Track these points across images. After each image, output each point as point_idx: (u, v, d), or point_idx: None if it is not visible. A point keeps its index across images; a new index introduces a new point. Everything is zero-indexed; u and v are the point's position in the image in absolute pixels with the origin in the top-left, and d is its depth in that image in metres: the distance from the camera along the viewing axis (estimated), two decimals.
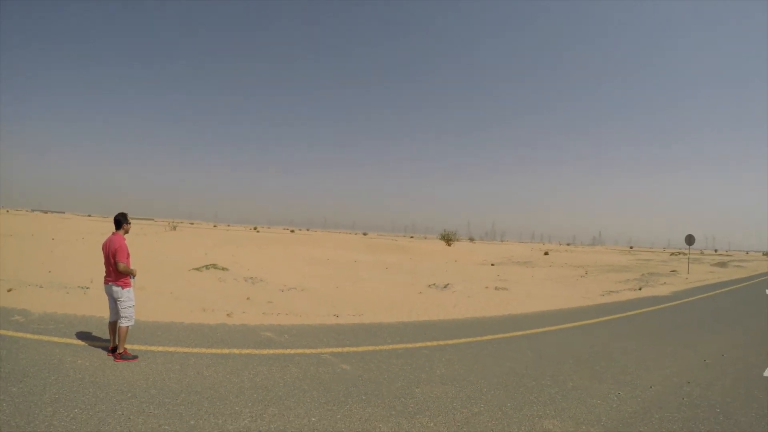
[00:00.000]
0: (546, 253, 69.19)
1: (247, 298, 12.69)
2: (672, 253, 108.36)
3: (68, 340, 7.45)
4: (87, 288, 12.48)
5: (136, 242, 36.95)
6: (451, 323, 10.82)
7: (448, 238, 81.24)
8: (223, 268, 19.28)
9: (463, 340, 8.91)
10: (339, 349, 7.65)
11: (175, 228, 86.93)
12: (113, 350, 6.68)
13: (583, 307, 13.98)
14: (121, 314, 6.65)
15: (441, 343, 8.58)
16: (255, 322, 9.64)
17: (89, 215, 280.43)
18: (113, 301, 6.77)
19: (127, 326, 6.66)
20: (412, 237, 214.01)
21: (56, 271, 16.09)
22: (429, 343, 8.45)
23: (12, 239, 29.39)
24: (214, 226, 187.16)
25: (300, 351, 7.42)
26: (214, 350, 7.22)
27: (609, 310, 13.21)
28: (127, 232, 7.23)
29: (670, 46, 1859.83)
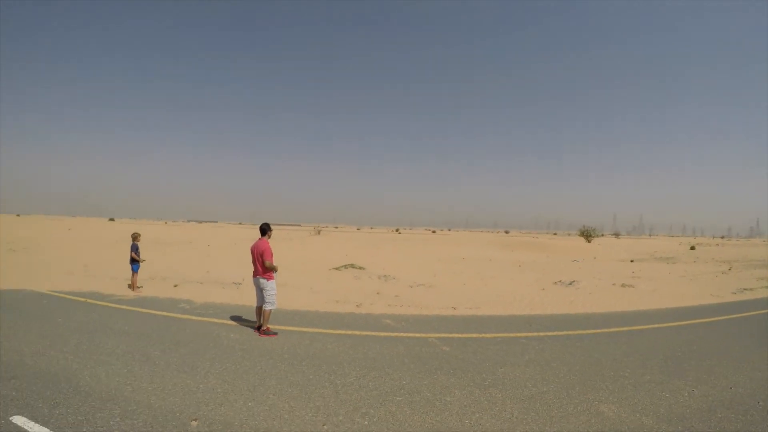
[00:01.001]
0: (692, 248, 63.05)
1: (377, 293, 14.18)
2: None
3: (224, 321, 9.60)
4: (239, 284, 14.79)
5: (282, 246, 40.59)
6: (561, 318, 11.18)
7: (587, 235, 78.08)
8: (360, 267, 21.10)
9: (564, 332, 9.36)
10: (445, 335, 8.70)
11: (319, 232, 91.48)
12: (258, 328, 8.63)
13: (707, 305, 13.35)
14: (266, 300, 8.52)
15: (541, 334, 9.14)
16: (379, 312, 11.03)
17: (240, 223, 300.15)
18: (260, 291, 8.63)
19: (270, 309, 8.54)
20: (555, 234, 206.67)
21: (213, 271, 18.96)
22: (530, 333, 9.10)
23: (173, 247, 33.92)
24: (358, 230, 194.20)
25: (410, 335, 8.61)
26: (339, 331, 8.71)
27: (732, 309, 12.46)
28: (269, 237, 8.90)
29: None
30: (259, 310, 8.73)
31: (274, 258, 8.81)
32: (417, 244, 54.83)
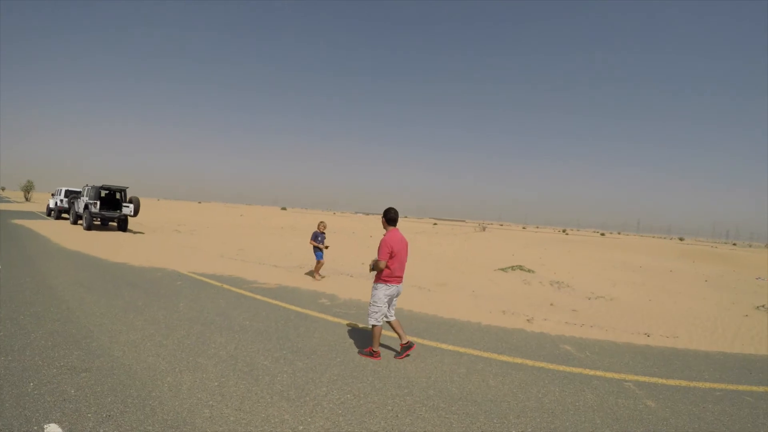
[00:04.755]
0: None
1: (551, 304, 12.27)
2: None
3: (364, 326, 8.32)
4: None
5: (445, 242, 39.22)
6: None
7: None
8: (528, 270, 19.16)
9: None
10: (645, 379, 6.66)
11: (484, 229, 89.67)
12: (406, 345, 6.72)
13: None
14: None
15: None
16: (555, 331, 9.21)
17: (406, 216, 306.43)
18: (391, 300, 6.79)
19: (374, 326, 6.62)
20: (734, 244, 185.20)
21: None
22: (755, 388, 6.71)
23: (337, 234, 34.14)
24: (523, 228, 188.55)
25: (599, 373, 6.70)
26: (505, 357, 7.07)
27: None
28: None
29: None
30: (397, 323, 6.87)
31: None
32: (587, 247, 50.72)
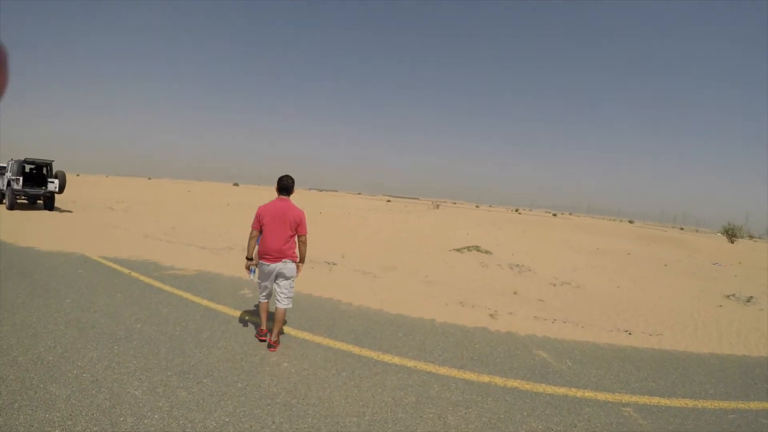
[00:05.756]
0: None
1: (514, 293, 10.68)
2: None
3: (295, 331, 6.40)
4: (334, 264, 11.87)
5: (400, 219, 37.71)
6: None
7: (731, 234, 66.84)
8: (486, 251, 17.61)
9: None
10: (645, 400, 5.12)
11: (438, 207, 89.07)
12: (264, 335, 5.96)
13: None
14: (286, 294, 5.77)
15: None
16: (524, 330, 7.62)
17: (359, 194, 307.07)
18: (273, 280, 5.79)
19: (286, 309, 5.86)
20: (682, 228, 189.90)
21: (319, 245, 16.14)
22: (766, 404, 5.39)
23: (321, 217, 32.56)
24: (476, 207, 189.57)
25: (590, 394, 5.10)
26: (468, 374, 5.36)
27: None
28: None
29: None
30: (266, 306, 6.01)
31: None
32: (541, 228, 50.15)
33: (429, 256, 16.05)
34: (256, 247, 5.83)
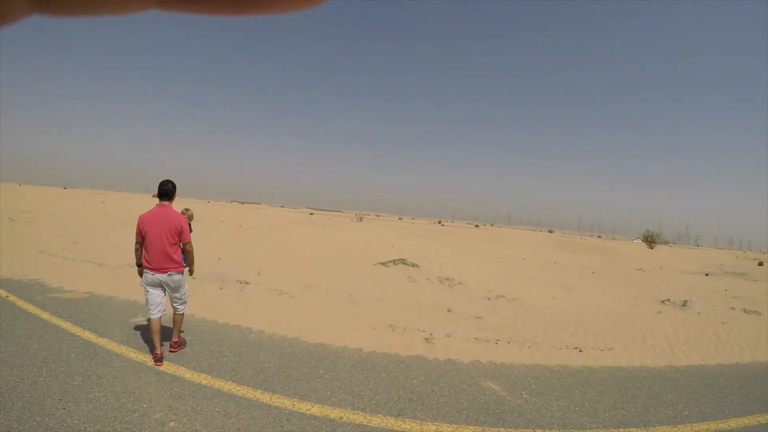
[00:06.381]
0: (761, 264, 55.61)
1: (448, 310, 9.62)
2: None
3: (190, 374, 5.05)
4: (247, 283, 10.58)
5: (320, 233, 36.38)
6: (743, 373, 6.88)
7: (650, 240, 69.40)
8: (413, 264, 16.54)
9: None
10: None
11: (361, 219, 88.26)
12: (160, 355, 5.36)
13: None
14: (181, 300, 5.75)
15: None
16: (467, 355, 6.58)
17: (282, 206, 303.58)
18: (163, 292, 5.54)
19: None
20: (599, 237, 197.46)
21: (225, 258, 14.69)
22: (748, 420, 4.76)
23: (201, 224, 30.31)
24: (399, 219, 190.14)
25: None
26: (407, 424, 4.19)
27: None
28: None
29: None
30: (158, 325, 5.45)
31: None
32: (465, 239, 50.13)
33: (353, 271, 14.87)
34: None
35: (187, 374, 5.04)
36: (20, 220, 24.94)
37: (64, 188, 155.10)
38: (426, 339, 7.18)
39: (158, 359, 5.30)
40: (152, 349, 5.52)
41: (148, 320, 5.53)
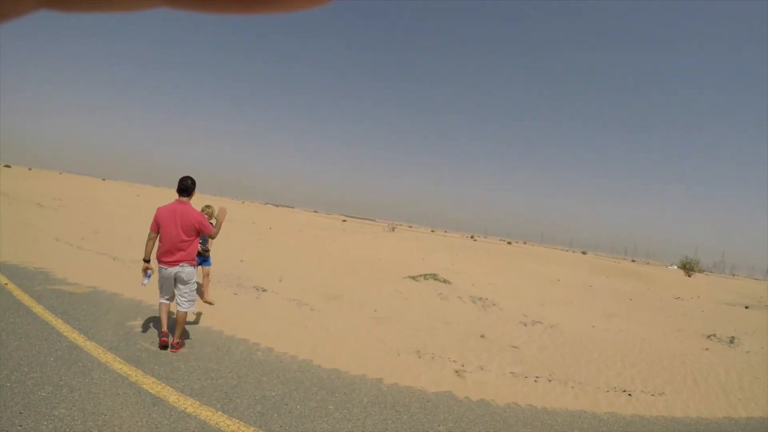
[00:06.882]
0: None
1: (481, 336, 8.69)
2: None
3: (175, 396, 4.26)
4: (264, 290, 9.92)
5: (352, 241, 35.68)
6: None
7: (689, 268, 65.95)
8: (444, 281, 15.62)
9: None
10: None
11: (393, 229, 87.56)
12: (165, 342, 5.58)
13: None
14: (188, 297, 5.71)
15: None
16: (502, 395, 5.70)
17: (315, 211, 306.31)
18: (172, 285, 5.64)
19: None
20: (633, 261, 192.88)
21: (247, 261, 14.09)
22: None
23: (232, 225, 30.22)
24: (432, 231, 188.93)
25: None
26: None
27: None
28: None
29: None
30: (167, 307, 5.76)
31: None
32: (497, 255, 48.94)
33: (380, 283, 14.05)
34: (155, 250, 5.56)
35: (172, 397, 4.29)
36: (50, 206, 24.95)
37: (103, 179, 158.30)
38: (456, 371, 6.30)
39: (164, 335, 5.55)
40: (159, 329, 5.80)
41: (159, 304, 5.78)
